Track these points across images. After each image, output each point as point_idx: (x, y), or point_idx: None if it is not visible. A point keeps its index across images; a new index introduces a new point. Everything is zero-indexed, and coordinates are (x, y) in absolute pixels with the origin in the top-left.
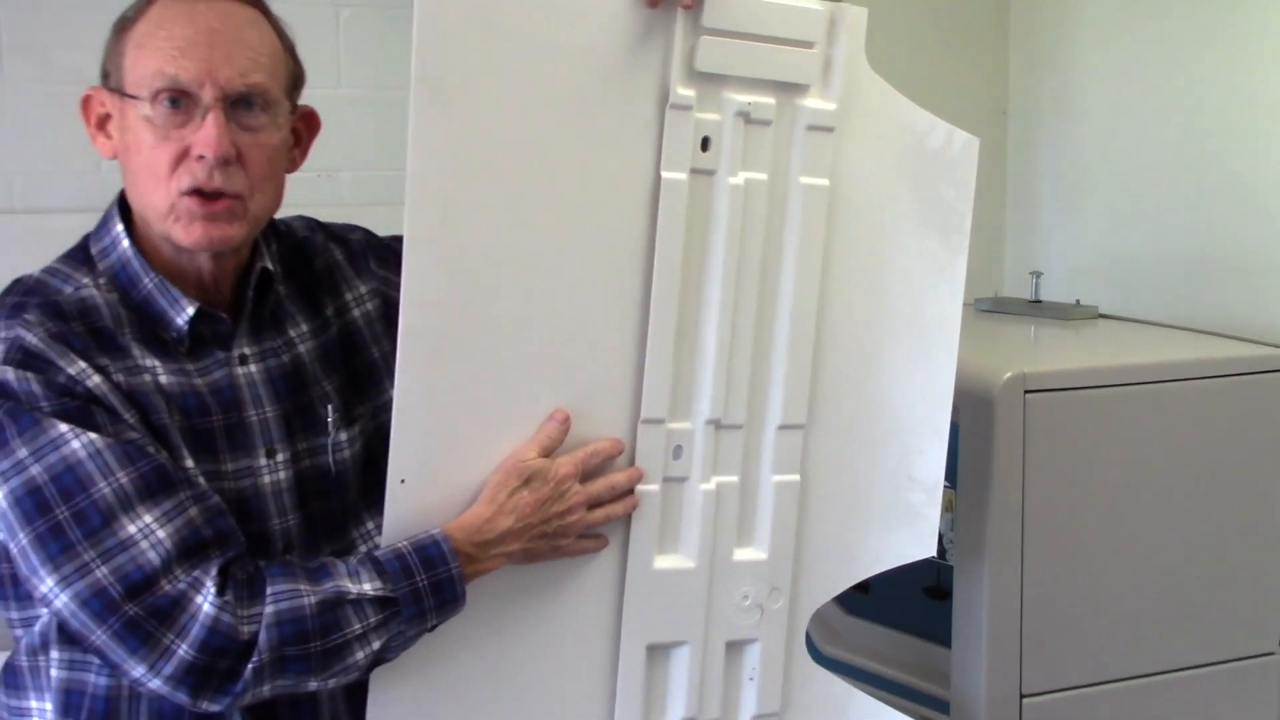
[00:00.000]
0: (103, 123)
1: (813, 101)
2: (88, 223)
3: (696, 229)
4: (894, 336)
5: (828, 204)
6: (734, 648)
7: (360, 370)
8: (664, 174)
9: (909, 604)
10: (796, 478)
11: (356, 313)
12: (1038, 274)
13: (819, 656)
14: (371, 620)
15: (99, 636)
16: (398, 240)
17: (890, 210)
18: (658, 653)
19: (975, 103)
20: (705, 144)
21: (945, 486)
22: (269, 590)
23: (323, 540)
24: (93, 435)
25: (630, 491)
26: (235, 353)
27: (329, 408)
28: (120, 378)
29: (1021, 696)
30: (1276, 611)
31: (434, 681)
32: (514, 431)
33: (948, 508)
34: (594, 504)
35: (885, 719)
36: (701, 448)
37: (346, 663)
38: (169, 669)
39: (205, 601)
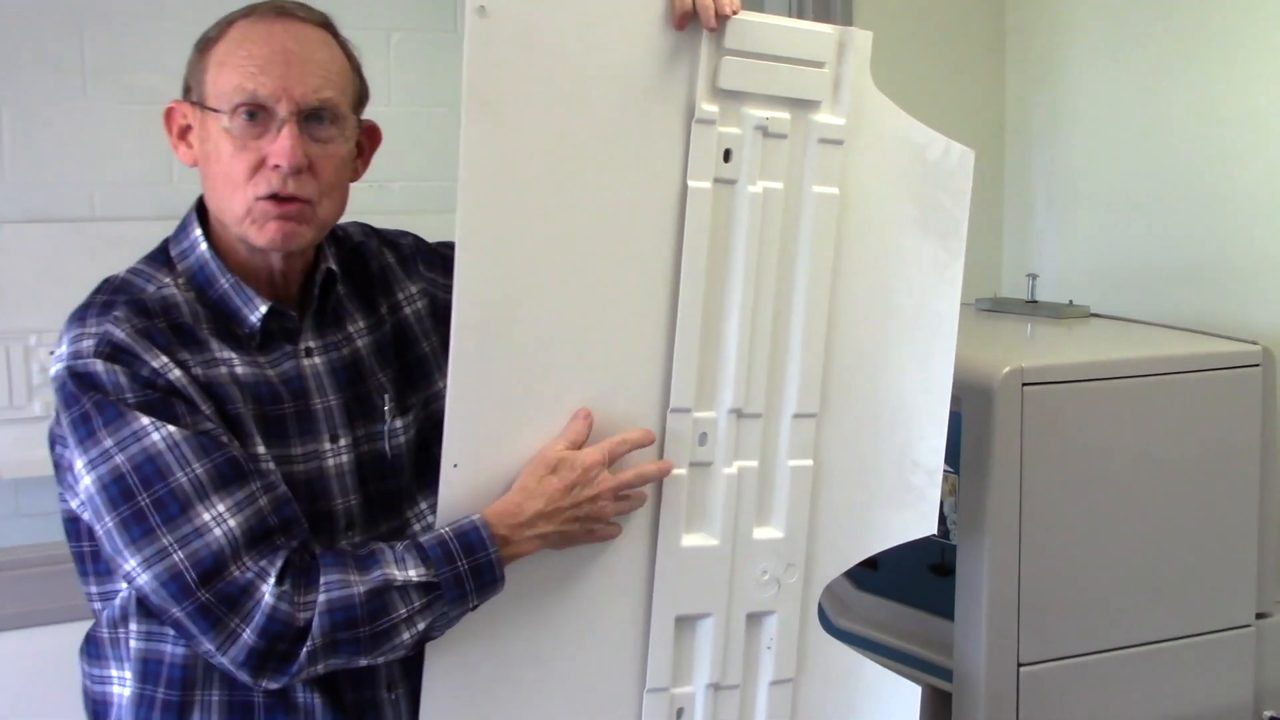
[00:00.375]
0: (184, 133)
1: (824, 117)
2: (160, 229)
3: (719, 233)
4: (898, 332)
5: (837, 211)
6: (753, 619)
7: (411, 363)
8: (690, 183)
9: (915, 580)
10: (810, 462)
11: (408, 310)
12: (1034, 276)
13: (831, 628)
14: (416, 604)
15: (175, 614)
16: (444, 245)
17: (894, 216)
18: (685, 624)
19: (975, 118)
20: (727, 155)
21: (949, 472)
22: (322, 580)
23: (380, 519)
24: (172, 428)
25: (659, 480)
26: (301, 346)
27: (385, 397)
28: (198, 371)
29: (1019, 665)
30: (1252, 587)
31: (484, 650)
32: (557, 418)
33: (951, 491)
34: (622, 492)
35: (891, 684)
36: (724, 435)
37: (394, 643)
38: (233, 651)
39: (267, 591)
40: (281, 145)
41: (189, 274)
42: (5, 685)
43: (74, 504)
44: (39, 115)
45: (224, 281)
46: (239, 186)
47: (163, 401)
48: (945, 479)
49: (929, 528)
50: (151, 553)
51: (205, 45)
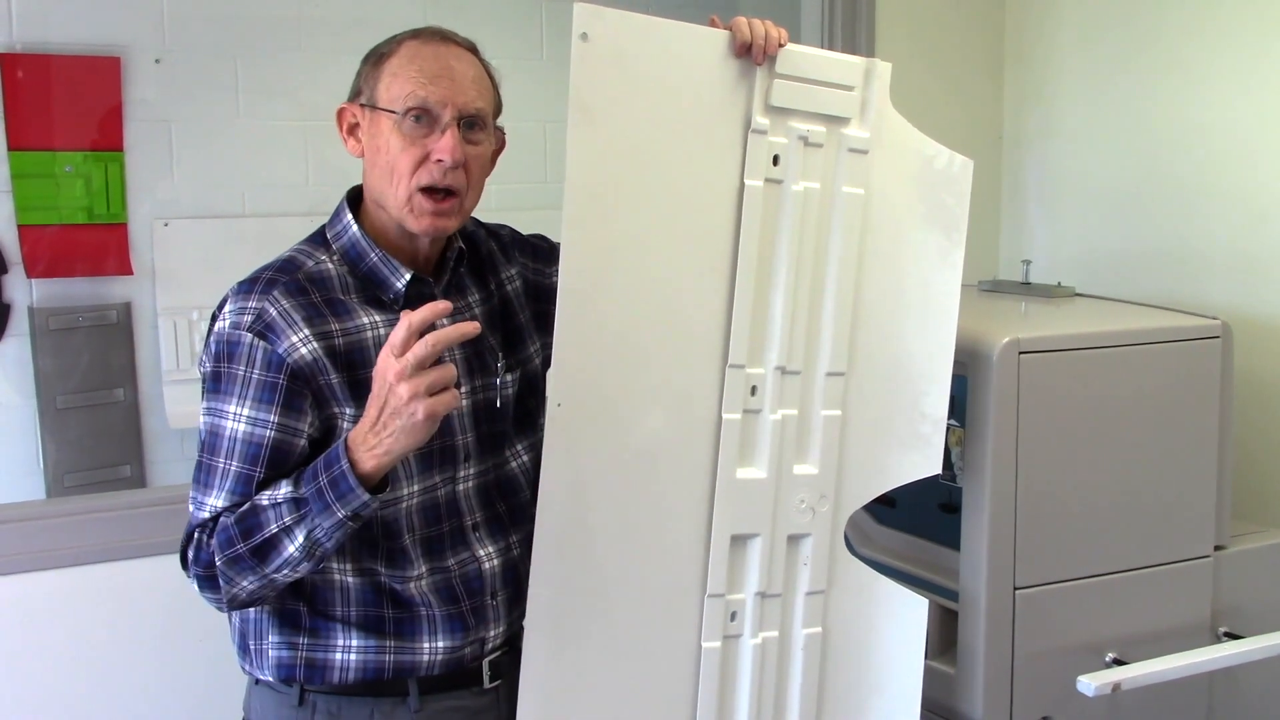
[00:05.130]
0: (352, 129)
1: (852, 131)
2: (298, 223)
3: (769, 224)
4: (909, 306)
5: (862, 207)
6: (793, 540)
7: (512, 331)
8: (746, 181)
9: (927, 516)
10: (839, 412)
11: (509, 288)
12: (1027, 262)
13: (857, 555)
14: (287, 518)
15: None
16: (534, 236)
17: (907, 213)
18: (738, 542)
19: (977, 130)
20: (776, 160)
21: (956, 425)
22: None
23: (488, 455)
24: (243, 426)
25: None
26: None
27: (499, 356)
28: (339, 340)
29: (1015, 588)
30: (1211, 524)
31: (577, 563)
32: (639, 364)
33: (958, 441)
34: (418, 375)
35: (904, 597)
36: (771, 387)
37: (283, 554)
38: (189, 574)
39: (196, 529)
40: (446, 143)
41: (342, 251)
42: (166, 601)
43: None
44: (201, 130)
45: (373, 256)
46: (404, 176)
47: (272, 386)
48: (953, 431)
49: (934, 468)
50: (191, 490)
51: (378, 58)
